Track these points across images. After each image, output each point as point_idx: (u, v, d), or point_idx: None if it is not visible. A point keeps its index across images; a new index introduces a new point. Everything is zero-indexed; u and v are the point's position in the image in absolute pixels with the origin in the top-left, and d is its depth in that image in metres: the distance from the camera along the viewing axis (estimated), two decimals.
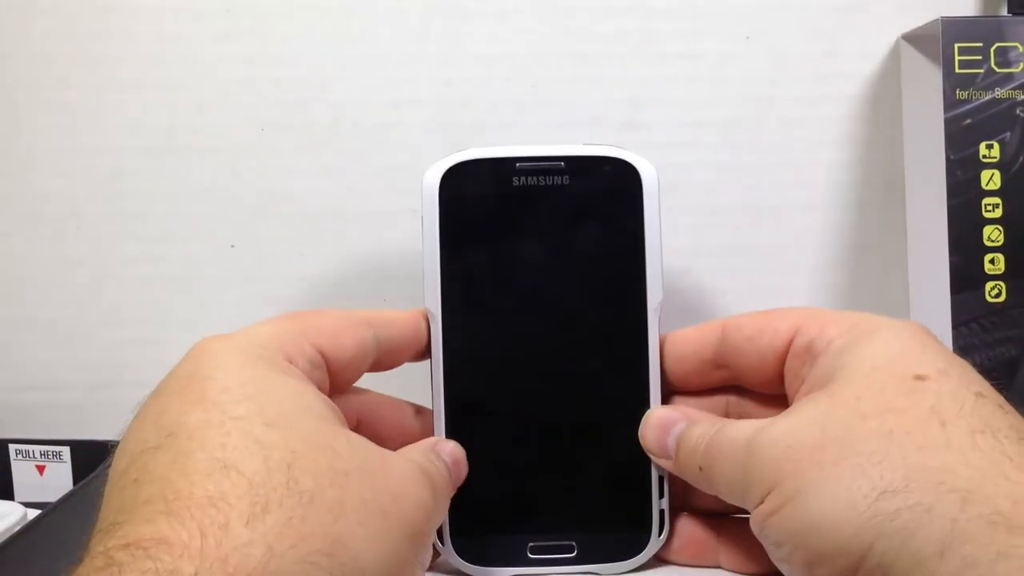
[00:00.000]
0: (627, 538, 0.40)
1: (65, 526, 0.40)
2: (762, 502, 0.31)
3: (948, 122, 0.43)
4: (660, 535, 0.40)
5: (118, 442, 0.45)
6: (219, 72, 0.48)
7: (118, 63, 0.47)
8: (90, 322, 0.49)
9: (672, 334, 0.39)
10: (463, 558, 0.40)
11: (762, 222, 0.49)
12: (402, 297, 0.49)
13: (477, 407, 0.40)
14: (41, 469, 0.46)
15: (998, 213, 0.43)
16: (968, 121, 0.43)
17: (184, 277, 0.49)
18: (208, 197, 0.49)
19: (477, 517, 0.40)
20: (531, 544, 0.40)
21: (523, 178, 0.40)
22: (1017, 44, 0.43)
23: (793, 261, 0.49)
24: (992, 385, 0.31)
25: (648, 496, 0.40)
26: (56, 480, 0.46)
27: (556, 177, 0.41)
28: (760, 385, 0.37)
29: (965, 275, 0.42)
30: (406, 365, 0.46)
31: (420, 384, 0.46)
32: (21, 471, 0.47)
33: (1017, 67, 0.43)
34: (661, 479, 0.40)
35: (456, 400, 0.40)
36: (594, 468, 0.41)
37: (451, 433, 0.40)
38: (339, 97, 0.48)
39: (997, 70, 0.43)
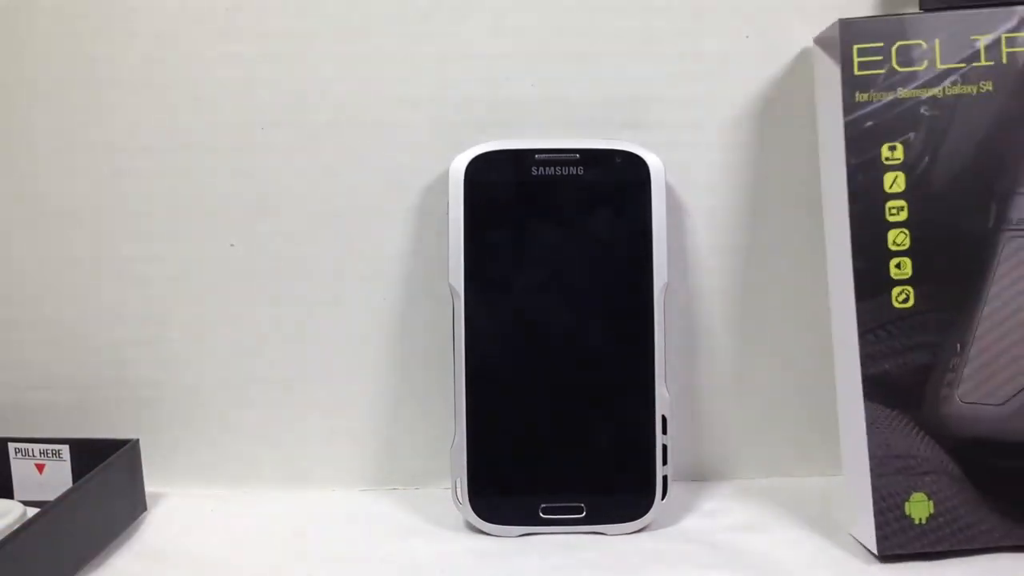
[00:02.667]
0: (632, 501, 0.44)
1: (64, 524, 0.40)
2: None
3: (848, 126, 0.41)
4: (663, 499, 0.44)
5: (123, 441, 0.45)
6: (219, 72, 0.48)
7: (118, 63, 0.47)
8: (90, 322, 0.49)
9: None
10: (480, 517, 0.44)
11: (762, 222, 0.49)
12: (402, 296, 0.49)
13: (495, 377, 0.44)
14: (40, 468, 0.47)
15: (903, 216, 0.41)
16: (870, 123, 0.41)
17: (184, 277, 0.49)
18: (208, 197, 0.49)
19: (493, 479, 0.44)
20: (543, 505, 0.44)
21: (541, 168, 0.45)
22: (921, 42, 0.41)
23: (795, 261, 0.49)
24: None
25: (652, 463, 0.44)
26: (55, 478, 0.46)
27: (572, 168, 0.45)
28: None
29: (870, 281, 0.41)
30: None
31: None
32: (21, 469, 0.47)
33: (921, 65, 0.41)
34: (664, 447, 0.44)
35: (476, 370, 0.44)
36: (602, 436, 0.44)
37: (471, 401, 0.44)
38: (339, 97, 0.48)
39: (899, 69, 0.41)
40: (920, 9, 0.43)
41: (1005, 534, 0.40)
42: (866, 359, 0.41)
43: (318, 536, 0.45)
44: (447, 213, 0.45)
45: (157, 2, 0.47)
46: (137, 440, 0.46)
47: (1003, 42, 0.41)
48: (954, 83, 0.41)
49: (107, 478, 0.43)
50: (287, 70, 0.48)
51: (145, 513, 0.47)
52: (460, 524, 0.45)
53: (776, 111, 0.48)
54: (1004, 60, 0.41)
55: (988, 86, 0.41)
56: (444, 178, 0.46)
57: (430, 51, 0.47)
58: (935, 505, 0.41)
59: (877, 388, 0.41)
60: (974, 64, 0.41)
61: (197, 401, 0.50)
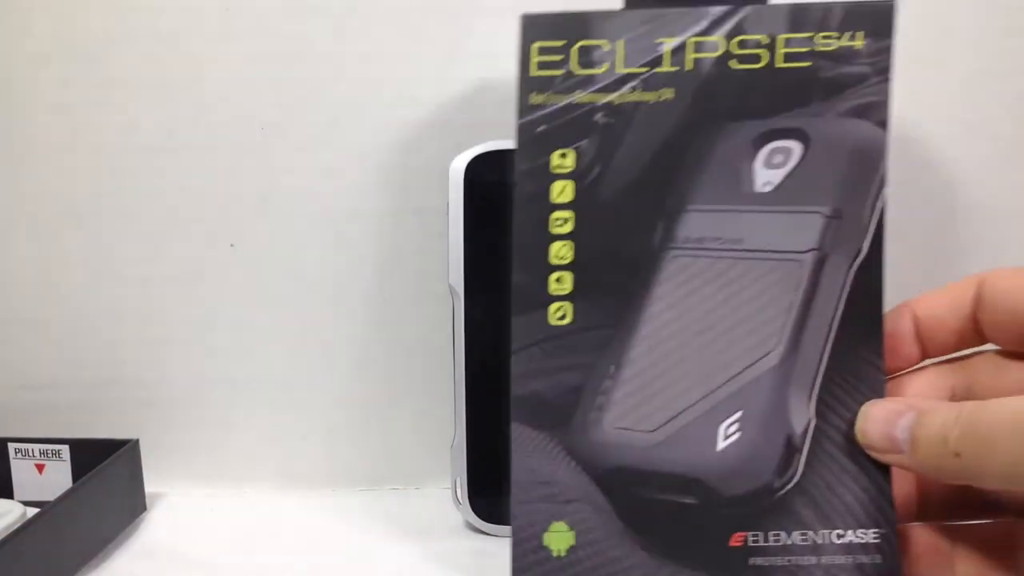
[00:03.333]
0: None
1: (64, 524, 0.40)
2: None
3: (520, 129, 0.38)
4: None
5: (123, 441, 0.45)
6: (219, 72, 0.48)
7: (118, 63, 0.47)
8: (90, 322, 0.49)
9: (922, 298, 0.39)
10: (480, 517, 0.45)
11: None
12: (402, 296, 0.49)
13: (495, 377, 0.43)
14: (40, 468, 0.47)
15: (568, 228, 0.38)
16: (543, 128, 0.38)
17: (184, 277, 0.49)
18: (208, 197, 0.49)
19: (493, 479, 0.44)
20: None
21: None
22: (603, 42, 0.38)
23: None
24: None
25: None
26: (55, 479, 0.46)
27: None
28: (1007, 343, 0.37)
29: (527, 296, 0.38)
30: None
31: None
32: (20, 470, 0.47)
33: (601, 68, 0.38)
34: None
35: (476, 370, 0.44)
36: None
37: (471, 401, 0.44)
38: (339, 97, 0.48)
39: (578, 72, 0.38)
40: (624, 6, 0.39)
41: (649, 572, 0.37)
42: (517, 378, 0.39)
43: (318, 536, 0.45)
44: (447, 213, 0.45)
45: (157, 2, 0.47)
46: (137, 440, 0.46)
47: (689, 47, 0.38)
48: (633, 89, 0.38)
49: (107, 478, 0.43)
50: (287, 70, 0.48)
51: (145, 513, 0.47)
52: (460, 524, 0.45)
53: None
54: (688, 67, 0.38)
55: (668, 94, 0.38)
56: (444, 178, 0.46)
57: (430, 51, 0.47)
58: (576, 536, 0.38)
59: (526, 409, 0.38)
60: (656, 70, 0.38)
61: (197, 401, 0.50)
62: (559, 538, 0.38)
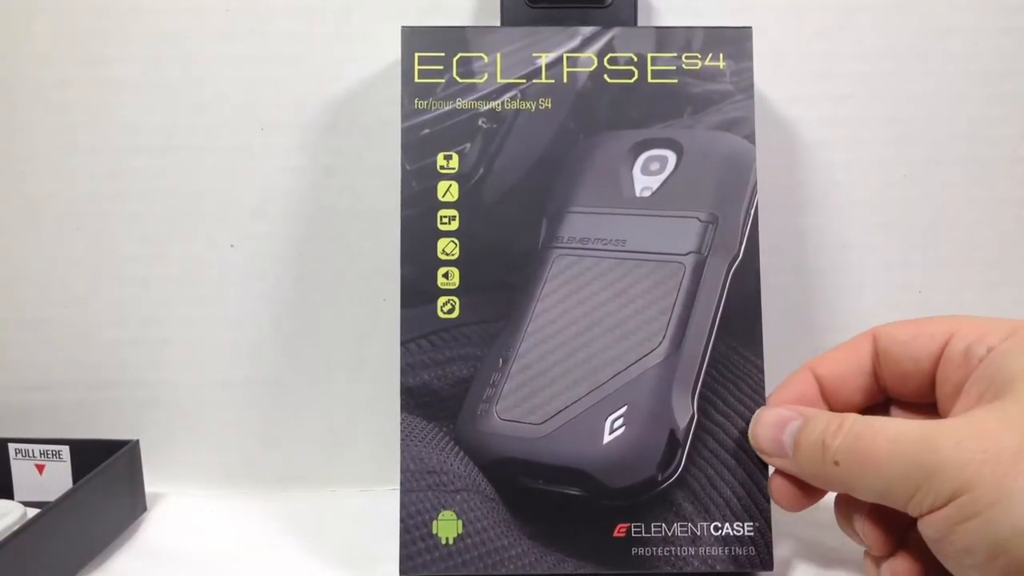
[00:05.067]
0: None
1: (64, 524, 0.40)
2: (945, 505, 0.30)
3: (405, 131, 0.41)
4: None
5: (123, 441, 0.45)
6: (219, 72, 0.48)
7: (118, 63, 0.47)
8: (90, 322, 0.49)
9: (821, 359, 0.39)
10: None
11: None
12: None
13: None
14: (40, 468, 0.47)
15: (454, 226, 0.41)
16: (427, 131, 0.41)
17: (184, 277, 0.49)
18: (208, 197, 0.49)
19: None
20: None
21: None
22: (482, 54, 0.42)
23: (793, 263, 0.49)
24: None
25: None
26: (55, 479, 0.46)
27: None
28: (910, 394, 0.38)
29: (416, 289, 0.41)
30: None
31: None
32: (21, 470, 0.47)
33: (480, 78, 0.42)
34: None
35: None
36: None
37: None
38: (339, 97, 0.48)
39: (460, 80, 0.42)
40: (501, 23, 0.43)
41: (535, 560, 0.38)
42: (406, 369, 0.40)
43: (318, 536, 0.45)
44: None
45: (158, 2, 0.47)
46: (137, 440, 0.46)
47: (564, 61, 0.42)
48: (513, 98, 0.42)
49: (107, 478, 0.43)
50: (287, 70, 0.48)
51: (145, 513, 0.47)
52: None
53: (777, 111, 0.48)
54: (564, 79, 0.42)
55: (547, 103, 0.42)
56: None
57: None
58: (464, 525, 0.39)
59: (415, 399, 0.40)
60: (535, 81, 0.42)
61: (197, 401, 0.50)
62: (447, 526, 0.39)
